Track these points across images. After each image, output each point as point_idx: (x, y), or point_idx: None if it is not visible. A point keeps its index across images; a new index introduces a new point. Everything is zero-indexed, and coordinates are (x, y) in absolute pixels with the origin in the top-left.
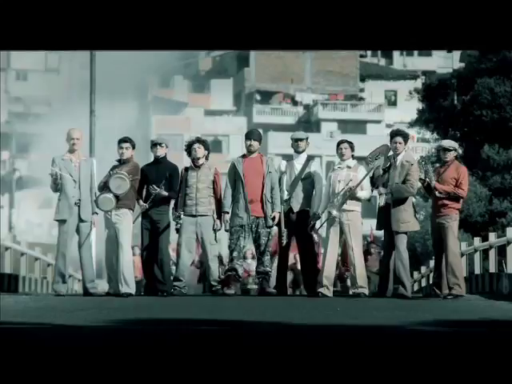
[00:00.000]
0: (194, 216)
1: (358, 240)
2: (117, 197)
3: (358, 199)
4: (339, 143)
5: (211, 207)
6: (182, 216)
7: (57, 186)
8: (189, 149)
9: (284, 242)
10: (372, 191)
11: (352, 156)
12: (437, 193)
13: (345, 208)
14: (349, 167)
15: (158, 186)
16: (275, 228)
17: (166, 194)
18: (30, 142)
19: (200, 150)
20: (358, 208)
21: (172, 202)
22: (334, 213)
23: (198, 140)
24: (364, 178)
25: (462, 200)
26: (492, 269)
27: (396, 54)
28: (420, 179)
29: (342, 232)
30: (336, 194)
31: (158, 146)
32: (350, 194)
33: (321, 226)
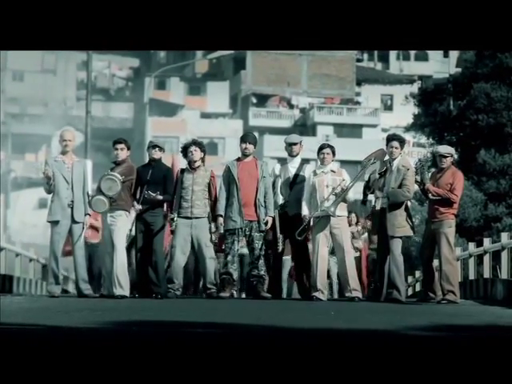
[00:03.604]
0: (189, 218)
1: (349, 243)
2: (110, 198)
3: (345, 201)
4: (321, 148)
5: (206, 209)
6: (175, 218)
7: (50, 187)
8: (185, 151)
9: (280, 247)
10: (368, 195)
11: (332, 161)
12: (430, 195)
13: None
14: (333, 171)
15: (152, 189)
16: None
17: (160, 197)
18: (25, 142)
19: (197, 153)
20: (345, 213)
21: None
22: (332, 210)
23: (195, 142)
24: (355, 179)
25: (455, 205)
26: (486, 274)
27: (392, 58)
28: (416, 181)
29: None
30: (325, 199)
31: (157, 149)
32: (344, 194)
33: (307, 231)
